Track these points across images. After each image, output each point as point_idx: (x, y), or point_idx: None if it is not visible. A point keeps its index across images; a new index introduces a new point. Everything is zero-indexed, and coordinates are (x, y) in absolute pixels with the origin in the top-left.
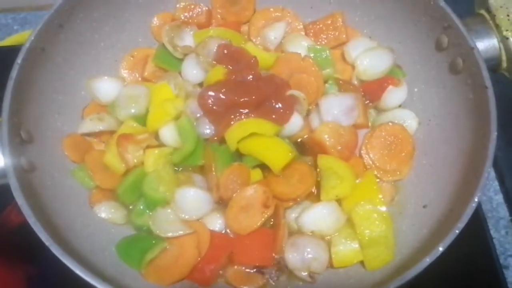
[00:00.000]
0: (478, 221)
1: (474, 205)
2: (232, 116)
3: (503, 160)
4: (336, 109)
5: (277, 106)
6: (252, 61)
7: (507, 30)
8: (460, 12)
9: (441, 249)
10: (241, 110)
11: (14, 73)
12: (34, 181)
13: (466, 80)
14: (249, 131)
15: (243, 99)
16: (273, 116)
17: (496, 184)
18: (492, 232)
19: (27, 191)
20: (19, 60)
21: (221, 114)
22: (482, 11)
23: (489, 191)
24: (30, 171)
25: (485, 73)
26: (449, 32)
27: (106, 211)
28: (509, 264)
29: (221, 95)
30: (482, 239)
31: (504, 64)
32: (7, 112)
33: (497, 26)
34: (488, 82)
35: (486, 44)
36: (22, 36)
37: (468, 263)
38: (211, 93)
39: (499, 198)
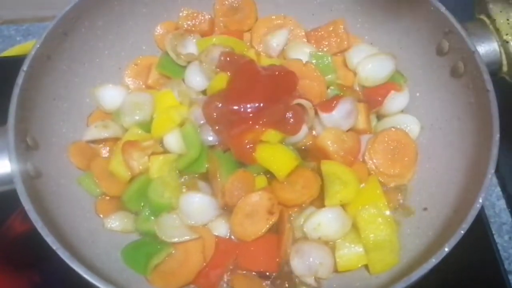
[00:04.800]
0: (481, 226)
1: (478, 205)
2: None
3: (505, 166)
4: (335, 114)
5: (287, 116)
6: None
7: (507, 34)
8: (461, 17)
9: (447, 249)
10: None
11: (20, 80)
12: (40, 187)
13: (467, 83)
14: None
15: (254, 124)
16: (288, 128)
17: (498, 189)
18: (495, 237)
19: (33, 197)
20: (25, 67)
21: (226, 125)
22: (482, 16)
23: (492, 196)
24: (36, 177)
25: (486, 76)
26: (450, 37)
27: (117, 223)
28: None
29: (228, 112)
30: (486, 245)
31: (505, 68)
32: (13, 118)
33: (497, 30)
34: (489, 85)
35: (486, 48)
36: (25, 47)
37: (472, 268)
38: (217, 104)
39: (502, 203)
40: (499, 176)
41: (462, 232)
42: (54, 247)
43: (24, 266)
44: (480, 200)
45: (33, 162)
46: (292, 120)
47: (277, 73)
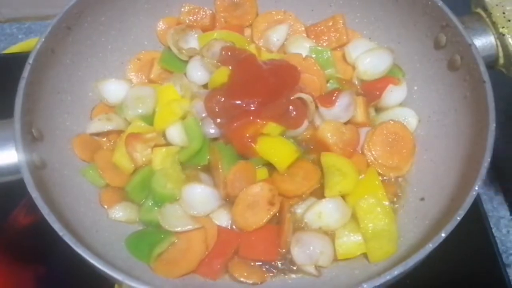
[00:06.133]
0: (480, 220)
1: (474, 193)
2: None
3: (503, 160)
4: (334, 108)
5: (289, 109)
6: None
7: (503, 27)
8: (457, 11)
9: (443, 234)
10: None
11: (25, 73)
12: (45, 178)
13: (464, 76)
14: None
15: (256, 118)
16: (290, 122)
17: (496, 184)
18: (493, 231)
19: (39, 186)
20: (30, 60)
21: (228, 118)
22: (479, 10)
23: (490, 191)
24: (41, 168)
25: (483, 68)
26: (447, 30)
27: (121, 213)
28: (511, 263)
29: (230, 107)
30: (484, 239)
31: (501, 61)
32: (19, 110)
33: (494, 24)
34: (486, 77)
35: (483, 41)
36: (26, 45)
37: (471, 262)
38: (219, 98)
39: (500, 197)
40: (497, 171)
41: (459, 218)
42: (60, 233)
43: (28, 258)
44: (476, 188)
45: (38, 153)
46: (294, 113)
47: (279, 67)
